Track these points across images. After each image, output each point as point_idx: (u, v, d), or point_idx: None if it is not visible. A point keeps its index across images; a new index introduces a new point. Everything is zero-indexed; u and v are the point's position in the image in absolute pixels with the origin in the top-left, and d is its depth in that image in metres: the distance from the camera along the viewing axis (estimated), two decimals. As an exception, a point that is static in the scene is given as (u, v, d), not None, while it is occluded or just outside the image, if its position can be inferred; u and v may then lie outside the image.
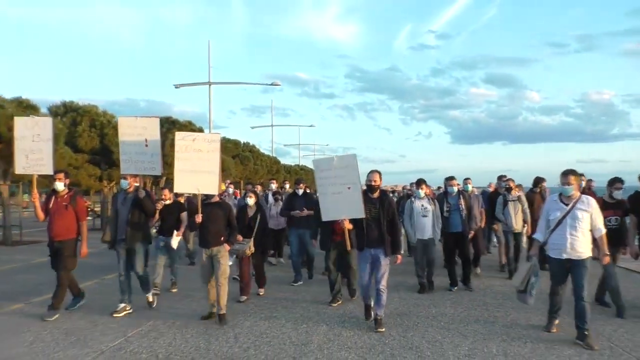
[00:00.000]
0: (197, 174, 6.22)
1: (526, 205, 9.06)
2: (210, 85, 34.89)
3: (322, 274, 8.92)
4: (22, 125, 6.68)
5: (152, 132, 6.54)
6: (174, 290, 8.03)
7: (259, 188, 13.68)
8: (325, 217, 6.03)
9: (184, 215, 8.27)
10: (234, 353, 5.09)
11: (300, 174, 62.97)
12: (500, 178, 10.20)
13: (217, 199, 6.52)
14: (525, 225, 8.95)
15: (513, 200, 8.98)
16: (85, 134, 19.71)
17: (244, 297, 7.34)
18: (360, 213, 5.75)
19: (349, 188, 5.77)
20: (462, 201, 8.04)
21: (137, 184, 6.74)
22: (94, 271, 9.56)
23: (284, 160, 60.37)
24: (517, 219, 8.88)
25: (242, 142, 43.30)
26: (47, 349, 5.18)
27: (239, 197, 12.46)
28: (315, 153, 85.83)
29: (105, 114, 21.06)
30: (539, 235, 5.64)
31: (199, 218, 6.24)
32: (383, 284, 5.86)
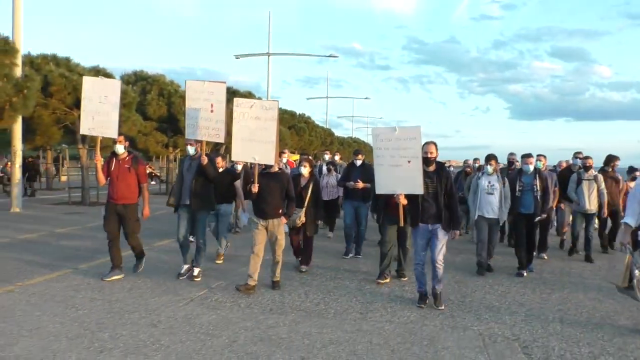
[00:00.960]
0: (254, 142, 6.06)
1: (603, 185, 8.69)
2: (269, 56, 35.54)
3: (377, 243, 8.51)
4: (90, 86, 6.61)
5: (219, 97, 6.38)
6: (219, 262, 7.74)
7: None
8: (380, 190, 5.83)
9: (238, 183, 8.20)
10: (307, 307, 5.62)
11: (353, 146, 63.09)
12: (576, 155, 9.69)
13: (275, 168, 6.36)
14: (602, 207, 8.61)
15: (589, 180, 8.61)
16: (154, 102, 20.75)
17: (305, 267, 7.27)
18: (418, 189, 5.48)
19: (409, 162, 5.48)
20: (537, 181, 7.49)
21: (200, 151, 6.58)
22: (146, 237, 9.43)
23: (337, 132, 60.47)
24: (592, 200, 8.57)
25: (297, 114, 43.94)
26: (145, 295, 5.90)
27: (293, 167, 12.42)
28: (369, 126, 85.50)
29: (172, 83, 22.05)
30: (629, 220, 4.87)
31: (255, 187, 6.05)
32: (440, 259, 5.65)
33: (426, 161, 5.63)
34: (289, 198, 6.34)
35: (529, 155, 7.68)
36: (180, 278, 6.55)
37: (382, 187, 5.78)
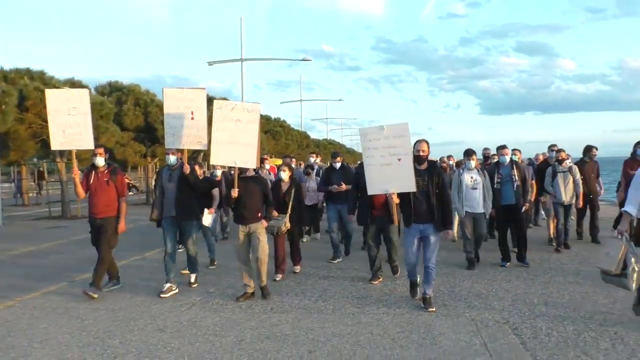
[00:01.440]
0: (235, 145, 5.93)
1: (578, 176, 8.82)
2: (242, 61, 35.58)
3: (361, 248, 8.88)
4: (55, 98, 6.35)
5: (199, 103, 6.28)
6: (212, 268, 7.88)
7: (293, 162, 13.56)
8: (372, 190, 5.72)
9: (215, 191, 8.15)
10: (306, 304, 5.85)
11: (329, 148, 63.49)
12: (551, 147, 9.80)
13: (252, 172, 6.29)
14: (578, 197, 8.73)
15: (563, 172, 8.73)
16: (130, 113, 20.65)
17: (280, 276, 7.05)
18: (410, 187, 5.39)
19: (399, 160, 5.41)
20: (515, 171, 7.60)
21: (182, 160, 6.45)
22: (133, 248, 9.46)
23: (311, 135, 60.78)
24: (567, 191, 8.67)
25: (272, 118, 44.07)
26: (146, 302, 6.04)
27: (275, 172, 11.83)
28: (343, 127, 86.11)
29: (147, 93, 21.97)
30: (630, 208, 4.76)
31: (235, 192, 5.97)
32: (433, 262, 5.55)
33: (418, 159, 5.54)
34: (268, 202, 6.27)
35: (503, 147, 7.77)
36: (162, 296, 6.18)
37: (374, 187, 5.68)
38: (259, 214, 6.13)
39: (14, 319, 5.46)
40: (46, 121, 16.23)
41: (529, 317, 5.19)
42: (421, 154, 5.58)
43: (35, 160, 27.72)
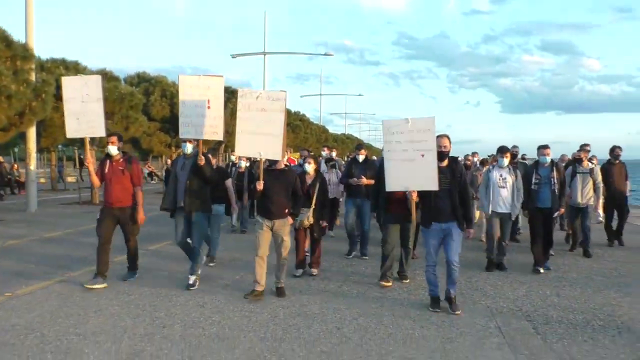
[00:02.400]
0: (260, 136, 5.66)
1: (599, 179, 8.45)
2: (265, 55, 36.08)
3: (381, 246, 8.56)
4: (70, 86, 6.28)
5: (216, 92, 6.01)
6: (211, 265, 7.46)
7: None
8: (391, 187, 5.47)
9: (229, 182, 7.84)
10: (331, 288, 6.29)
11: (347, 143, 63.77)
12: (582, 147, 9.11)
13: (281, 165, 6.00)
14: (596, 200, 8.41)
15: (583, 173, 8.40)
16: (157, 103, 21.30)
17: (300, 271, 6.87)
18: (433, 185, 5.16)
19: (422, 155, 5.17)
20: (554, 173, 7.19)
21: (197, 149, 6.27)
22: (148, 239, 8.85)
23: (329, 129, 61.09)
24: (585, 193, 8.33)
25: (292, 111, 44.54)
26: (185, 282, 6.53)
27: (294, 164, 11.84)
28: (361, 122, 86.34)
29: (174, 84, 22.59)
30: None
31: (260, 185, 5.71)
32: (456, 260, 5.32)
33: (439, 155, 5.29)
34: (297, 197, 6.01)
35: (545, 147, 7.34)
36: (191, 289, 6.07)
37: (394, 183, 5.44)
38: (286, 210, 5.87)
39: (67, 292, 5.99)
40: (79, 110, 17.12)
41: (541, 306, 5.56)
42: (443, 149, 5.35)
43: (60, 147, 28.70)
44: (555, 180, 7.19)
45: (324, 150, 11.95)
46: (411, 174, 5.28)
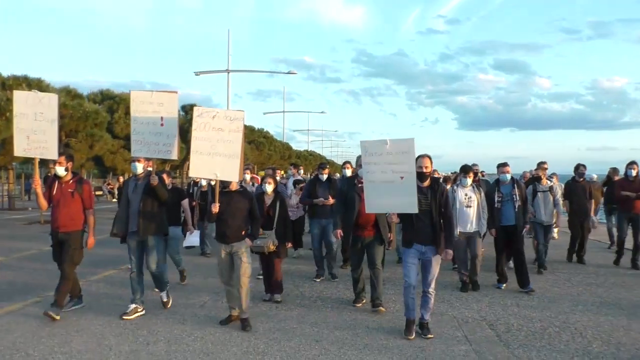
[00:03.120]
0: (216, 157, 5.49)
1: (558, 196, 8.56)
2: (229, 72, 36.25)
3: (340, 267, 8.61)
4: (22, 101, 5.91)
5: (170, 109, 5.76)
6: (184, 283, 7.52)
7: (279, 173, 13.54)
8: (370, 208, 5.34)
9: (185, 203, 7.68)
10: (306, 304, 6.55)
11: (310, 159, 64.43)
12: (540, 165, 9.36)
13: (236, 186, 5.75)
14: (556, 217, 8.45)
15: (544, 191, 8.50)
16: (121, 121, 21.19)
17: (278, 296, 6.61)
18: (412, 208, 5.01)
19: (401, 178, 5.03)
20: (516, 190, 7.25)
21: (150, 168, 6.06)
22: (99, 264, 8.68)
23: (292, 145, 61.58)
24: (547, 211, 8.48)
25: (256, 128, 44.77)
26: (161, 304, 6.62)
27: (258, 184, 10.32)
28: (323, 139, 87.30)
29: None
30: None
31: (215, 208, 5.53)
32: (432, 287, 5.26)
33: (420, 176, 5.18)
34: (254, 218, 5.81)
35: (504, 164, 7.41)
36: (125, 318, 5.71)
37: (373, 205, 5.30)
38: (243, 232, 5.67)
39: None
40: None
41: (503, 315, 6.00)
42: (424, 170, 5.24)
43: (14, 165, 27.87)
44: (517, 197, 7.23)
45: (290, 169, 11.59)
46: (390, 197, 5.14)
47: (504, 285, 7.40)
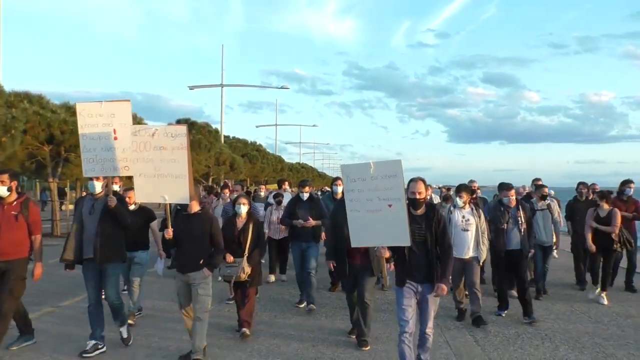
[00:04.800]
0: (161, 178, 5.02)
1: (557, 214, 8.27)
2: (222, 87, 36.92)
3: (328, 290, 8.34)
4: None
5: (123, 119, 5.17)
6: (131, 322, 6.16)
7: (263, 189, 12.17)
8: (356, 242, 4.68)
9: (155, 224, 6.84)
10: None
11: (301, 171, 64.97)
12: (534, 182, 8.95)
13: (196, 208, 5.23)
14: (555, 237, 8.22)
15: (542, 209, 8.09)
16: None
17: (247, 331, 5.89)
18: (404, 240, 4.36)
19: (389, 206, 4.40)
20: (520, 213, 6.73)
21: (117, 187, 5.74)
22: (48, 296, 7.75)
23: (283, 157, 62.30)
24: (547, 231, 8.05)
25: (249, 141, 45.31)
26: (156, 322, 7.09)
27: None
28: (315, 151, 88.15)
29: (135, 117, 22.98)
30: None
31: (169, 233, 5.09)
32: (430, 327, 4.64)
33: (413, 203, 4.57)
34: (215, 245, 5.25)
35: (509, 187, 6.84)
36: (84, 356, 5.17)
37: (359, 239, 4.65)
38: (202, 261, 5.14)
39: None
40: (42, 143, 17.24)
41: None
42: (417, 196, 4.57)
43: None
44: (522, 220, 6.72)
45: (260, 188, 11.28)
46: (378, 228, 4.47)
47: (505, 312, 6.93)
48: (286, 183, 11.61)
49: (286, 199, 9.41)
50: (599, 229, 7.75)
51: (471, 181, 9.25)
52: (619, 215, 7.70)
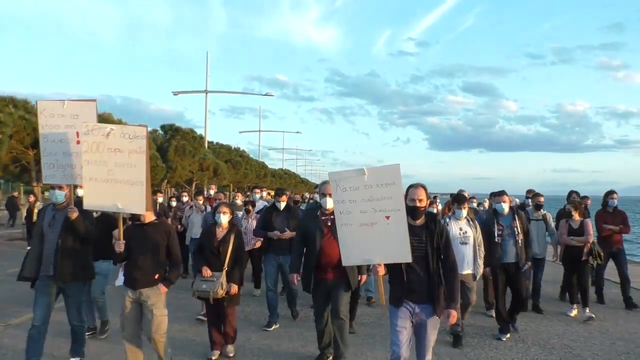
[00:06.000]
0: (115, 184, 4.43)
1: (552, 225, 7.91)
2: (207, 93, 37.08)
3: (310, 306, 6.84)
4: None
5: (88, 121, 4.59)
6: (103, 337, 6.06)
7: (239, 197, 10.06)
8: (349, 260, 4.14)
9: (116, 233, 5.85)
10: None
11: (284, 177, 65.30)
12: (528, 193, 8.67)
13: (151, 217, 4.75)
14: (554, 250, 8.01)
15: (537, 220, 7.74)
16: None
17: (217, 352, 5.43)
18: (404, 255, 3.87)
19: (387, 217, 3.91)
20: (516, 222, 6.30)
21: (78, 193, 5.19)
22: (11, 308, 7.26)
23: (266, 163, 62.49)
24: (540, 242, 7.77)
25: (233, 147, 45.49)
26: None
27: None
28: (298, 158, 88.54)
29: (120, 121, 23.10)
30: None
31: (120, 246, 4.56)
32: (429, 358, 4.14)
33: (413, 212, 4.02)
34: (172, 258, 4.80)
35: (501, 193, 6.46)
36: None
37: (352, 256, 4.10)
38: (156, 276, 4.67)
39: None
40: (27, 147, 17.29)
41: (469, 332, 6.91)
42: (417, 204, 4.04)
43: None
44: (519, 230, 6.29)
45: (257, 193, 10.17)
46: (374, 243, 3.96)
47: (507, 335, 6.35)
48: (259, 190, 10.62)
49: (259, 207, 8.89)
50: (572, 241, 7.55)
51: (461, 191, 8.93)
52: (590, 225, 7.64)
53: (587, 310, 7.41)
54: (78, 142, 4.63)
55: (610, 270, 8.66)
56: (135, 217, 4.84)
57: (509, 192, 7.67)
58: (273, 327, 6.64)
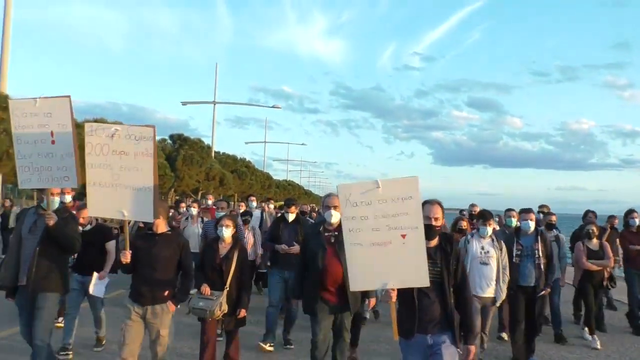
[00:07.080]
0: (120, 189, 4.12)
1: (566, 247, 7.39)
2: (215, 104, 37.80)
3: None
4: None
5: (61, 119, 4.20)
6: (98, 350, 5.84)
7: (242, 206, 9.82)
8: (357, 284, 3.62)
9: (111, 245, 5.87)
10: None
11: (288, 189, 65.76)
12: (540, 209, 8.13)
13: (163, 228, 4.45)
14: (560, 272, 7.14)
15: (551, 241, 6.74)
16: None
17: None
18: (421, 280, 3.40)
19: (403, 236, 3.42)
20: (539, 244, 5.85)
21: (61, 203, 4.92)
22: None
23: (270, 174, 63.06)
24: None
25: (239, 157, 46.13)
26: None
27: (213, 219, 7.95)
28: (302, 169, 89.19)
29: (121, 124, 23.62)
30: None
31: (127, 257, 4.24)
32: None
33: (428, 231, 3.47)
34: (185, 273, 4.52)
35: (528, 211, 6.03)
36: None
37: (361, 280, 3.58)
38: (166, 292, 4.36)
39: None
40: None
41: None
42: (433, 222, 3.61)
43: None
44: (540, 253, 5.84)
45: (252, 200, 9.70)
46: (388, 265, 3.48)
47: None
48: (254, 197, 10.10)
49: (255, 216, 8.48)
50: (592, 265, 7.02)
51: (472, 205, 8.44)
52: (609, 248, 7.19)
53: (596, 337, 7.00)
54: (53, 142, 4.24)
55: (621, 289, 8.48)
56: (146, 226, 4.54)
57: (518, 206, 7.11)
58: (268, 345, 6.12)
